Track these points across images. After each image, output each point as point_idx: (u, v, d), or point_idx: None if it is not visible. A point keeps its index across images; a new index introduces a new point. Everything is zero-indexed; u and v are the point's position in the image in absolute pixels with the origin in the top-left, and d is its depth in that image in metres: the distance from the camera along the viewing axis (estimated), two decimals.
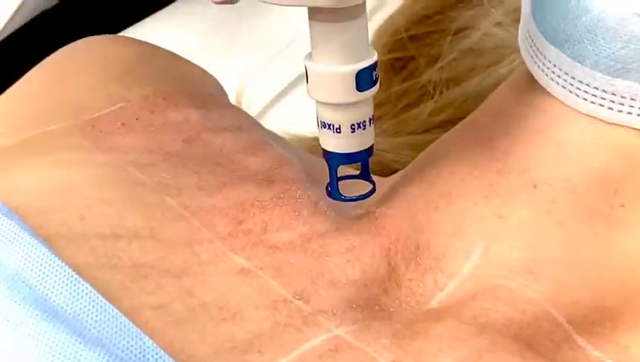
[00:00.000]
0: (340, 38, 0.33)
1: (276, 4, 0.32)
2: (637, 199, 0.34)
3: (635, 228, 0.34)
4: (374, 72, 0.34)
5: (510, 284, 0.33)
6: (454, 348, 0.31)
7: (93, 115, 0.40)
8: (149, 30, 0.71)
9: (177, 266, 0.33)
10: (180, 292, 0.32)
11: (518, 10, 0.55)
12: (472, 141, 0.37)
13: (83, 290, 0.29)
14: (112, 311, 0.29)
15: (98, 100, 0.41)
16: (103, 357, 0.27)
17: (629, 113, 0.33)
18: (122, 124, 0.40)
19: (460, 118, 0.41)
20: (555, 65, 0.35)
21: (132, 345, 0.28)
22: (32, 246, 0.30)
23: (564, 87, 0.35)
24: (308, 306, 0.33)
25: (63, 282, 0.29)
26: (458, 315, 0.33)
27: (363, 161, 0.36)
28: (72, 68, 0.43)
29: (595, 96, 0.34)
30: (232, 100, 0.54)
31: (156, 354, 0.28)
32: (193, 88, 0.44)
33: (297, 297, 0.33)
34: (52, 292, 0.29)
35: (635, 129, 0.34)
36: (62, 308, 0.28)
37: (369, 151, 0.36)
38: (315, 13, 0.33)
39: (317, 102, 0.35)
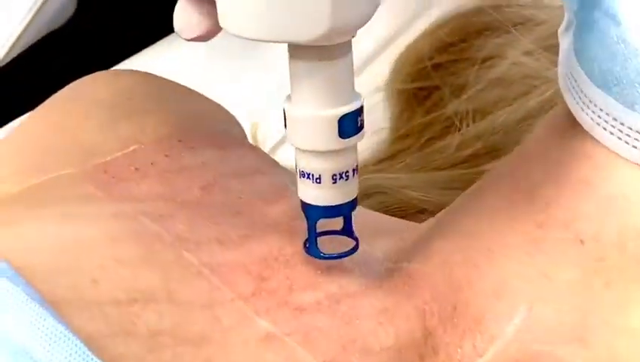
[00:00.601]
0: (322, 78, 0.30)
1: (253, 39, 0.29)
2: None
3: None
4: (359, 118, 0.31)
5: (558, 352, 0.31)
6: None
7: (104, 158, 0.38)
8: (155, 57, 0.70)
9: (196, 333, 0.30)
10: None
11: (549, 37, 0.54)
12: (510, 189, 0.35)
13: None
14: None
15: (109, 142, 0.39)
16: None
17: None
18: (136, 169, 0.37)
19: (488, 153, 0.39)
20: (601, 110, 0.33)
21: None
22: (40, 316, 0.28)
23: (612, 133, 0.32)
24: None
25: (72, 357, 0.27)
26: None
27: (345, 215, 0.33)
28: (80, 107, 0.41)
29: None
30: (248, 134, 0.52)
31: None
32: (209, 127, 0.42)
33: None
34: None
35: None
36: None
37: (352, 204, 0.33)
38: (295, 51, 0.30)
39: (296, 149, 0.32)
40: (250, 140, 0.49)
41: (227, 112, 0.44)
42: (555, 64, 0.52)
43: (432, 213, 0.40)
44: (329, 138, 0.31)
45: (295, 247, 0.34)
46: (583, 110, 0.34)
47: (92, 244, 0.33)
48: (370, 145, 0.57)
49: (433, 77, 0.56)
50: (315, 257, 0.33)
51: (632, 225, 0.32)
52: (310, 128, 0.31)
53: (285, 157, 0.58)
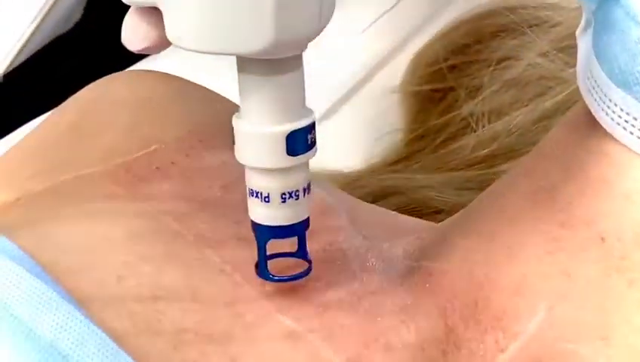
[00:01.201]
0: (269, 93, 0.29)
1: (198, 51, 0.28)
2: None
3: None
4: (310, 135, 0.30)
5: (580, 350, 0.31)
6: None
7: (125, 158, 0.38)
8: (163, 61, 0.70)
9: (221, 330, 0.31)
10: (224, 361, 0.29)
11: (564, 39, 0.54)
12: (530, 189, 0.35)
13: None
14: None
15: (130, 142, 0.39)
16: None
17: None
18: (157, 168, 0.38)
19: (504, 154, 0.39)
20: (622, 110, 0.33)
21: None
22: (68, 312, 0.28)
23: (632, 133, 0.33)
24: None
25: (101, 352, 0.27)
26: None
27: (298, 235, 0.32)
28: (100, 107, 0.41)
29: None
30: None
31: None
32: (229, 127, 0.42)
33: None
34: None
35: None
36: None
37: (304, 224, 0.32)
38: (243, 64, 0.29)
39: (245, 166, 0.31)
40: None
41: None
42: (570, 65, 0.52)
43: (449, 214, 0.41)
44: (276, 155, 0.30)
45: (315, 245, 0.34)
46: (602, 110, 0.34)
47: (116, 242, 0.33)
48: (385, 146, 0.57)
49: (448, 78, 0.56)
50: (265, 279, 0.32)
51: None
52: (257, 145, 0.30)
53: None
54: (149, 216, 0.35)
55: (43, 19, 0.69)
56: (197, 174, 0.38)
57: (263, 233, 0.32)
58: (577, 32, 0.36)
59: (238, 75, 0.30)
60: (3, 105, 0.69)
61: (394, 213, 0.42)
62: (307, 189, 0.31)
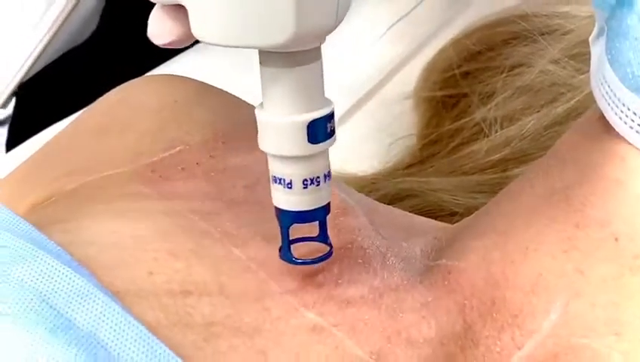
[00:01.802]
0: (290, 84, 0.31)
1: (221, 45, 0.30)
2: None
3: None
4: (329, 124, 0.32)
5: (594, 345, 0.32)
6: None
7: (151, 158, 0.39)
8: (181, 66, 0.70)
9: (249, 324, 0.32)
10: (253, 353, 0.30)
11: (575, 46, 0.55)
12: (545, 190, 0.36)
13: (158, 351, 0.28)
14: None
15: (156, 144, 0.40)
16: None
17: None
18: (182, 168, 0.39)
19: (516, 158, 0.40)
20: (635, 114, 0.34)
21: None
22: (105, 304, 0.29)
23: None
24: None
25: (138, 342, 0.28)
26: None
27: (319, 220, 0.33)
28: (128, 110, 0.42)
29: None
30: None
31: None
32: (250, 129, 0.43)
33: (374, 357, 0.32)
34: (127, 354, 0.28)
35: None
36: None
37: (325, 209, 0.33)
38: (265, 57, 0.31)
39: (268, 155, 0.33)
40: None
41: None
42: (581, 72, 0.53)
43: (462, 216, 0.41)
44: (298, 143, 0.31)
45: (338, 244, 0.36)
46: (616, 114, 0.35)
47: (145, 239, 0.34)
48: (400, 150, 0.58)
49: (461, 84, 0.57)
50: (288, 262, 0.33)
51: None
52: (280, 133, 0.31)
53: None
54: (176, 214, 0.36)
55: (58, 29, 0.70)
56: (221, 174, 0.39)
57: (286, 218, 0.33)
58: (590, 39, 0.37)
59: (260, 68, 0.31)
60: (21, 112, 0.70)
61: (410, 214, 0.43)
62: (328, 176, 0.33)
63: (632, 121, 0.34)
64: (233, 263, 0.34)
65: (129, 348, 0.28)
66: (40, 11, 0.68)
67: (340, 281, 0.34)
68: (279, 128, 0.31)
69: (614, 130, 0.35)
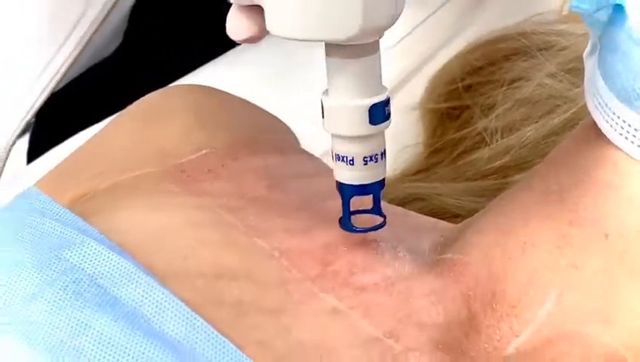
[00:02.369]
0: (355, 73, 0.35)
1: (294, 39, 0.34)
2: None
3: None
4: (386, 108, 0.36)
5: (585, 330, 0.35)
6: None
7: (180, 160, 0.42)
8: (200, 79, 0.73)
9: (273, 305, 0.35)
10: (278, 329, 0.34)
11: (571, 61, 0.57)
12: (542, 192, 0.39)
13: (198, 325, 0.31)
14: (228, 345, 0.31)
15: (184, 147, 0.43)
16: None
17: None
18: (209, 170, 0.42)
19: (516, 166, 0.43)
20: (624, 122, 0.36)
21: None
22: (148, 284, 0.32)
23: (633, 143, 0.36)
24: (398, 345, 0.34)
25: (178, 317, 0.31)
26: (535, 361, 0.34)
27: (375, 193, 0.37)
28: (158, 115, 0.45)
29: None
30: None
31: None
32: (271, 135, 0.46)
33: (387, 336, 0.35)
34: (168, 327, 0.31)
35: None
36: (178, 341, 0.31)
37: (381, 183, 0.37)
38: (331, 50, 0.35)
39: (332, 135, 0.37)
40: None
41: (285, 124, 0.49)
42: (576, 86, 0.56)
43: (466, 218, 0.44)
44: (361, 124, 0.35)
45: (354, 237, 0.39)
46: (607, 122, 0.37)
47: (177, 229, 0.37)
48: (406, 158, 0.61)
49: (464, 97, 0.60)
50: (349, 230, 0.37)
51: None
52: (344, 116, 0.36)
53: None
54: (205, 208, 0.39)
55: (86, 44, 0.73)
56: (244, 175, 0.42)
57: (347, 191, 0.37)
58: (584, 55, 0.39)
59: (326, 59, 0.35)
60: (51, 120, 0.72)
61: (419, 214, 0.46)
62: (384, 154, 0.37)
63: (622, 128, 0.36)
64: (257, 252, 0.37)
65: (170, 322, 0.31)
66: (67, 27, 0.70)
67: (354, 270, 0.37)
68: (344, 111, 0.35)
69: (606, 137, 0.37)
